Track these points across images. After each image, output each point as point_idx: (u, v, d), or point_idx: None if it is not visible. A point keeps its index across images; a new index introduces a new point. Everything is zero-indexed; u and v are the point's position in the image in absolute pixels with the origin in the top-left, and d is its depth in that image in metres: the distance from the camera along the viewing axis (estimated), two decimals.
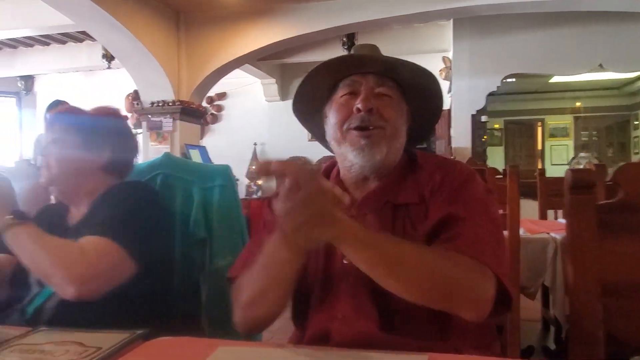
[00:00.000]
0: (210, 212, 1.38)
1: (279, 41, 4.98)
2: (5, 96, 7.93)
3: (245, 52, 5.05)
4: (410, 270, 0.84)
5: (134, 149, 1.35)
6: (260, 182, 6.99)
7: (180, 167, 1.46)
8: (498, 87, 5.41)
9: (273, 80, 7.03)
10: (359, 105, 0.97)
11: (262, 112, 7.22)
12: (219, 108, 7.38)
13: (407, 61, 1.02)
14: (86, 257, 1.02)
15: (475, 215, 0.93)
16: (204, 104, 5.87)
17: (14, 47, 6.81)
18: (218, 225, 1.36)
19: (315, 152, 6.95)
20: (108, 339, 0.88)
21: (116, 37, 4.37)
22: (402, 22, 5.18)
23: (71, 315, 0.96)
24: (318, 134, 1.14)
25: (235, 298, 0.99)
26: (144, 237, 1.12)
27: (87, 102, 4.87)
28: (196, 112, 5.17)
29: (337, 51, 5.64)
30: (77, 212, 1.24)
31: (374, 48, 1.06)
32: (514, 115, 9.03)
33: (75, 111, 1.28)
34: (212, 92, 6.28)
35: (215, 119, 7.35)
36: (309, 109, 1.12)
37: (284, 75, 7.17)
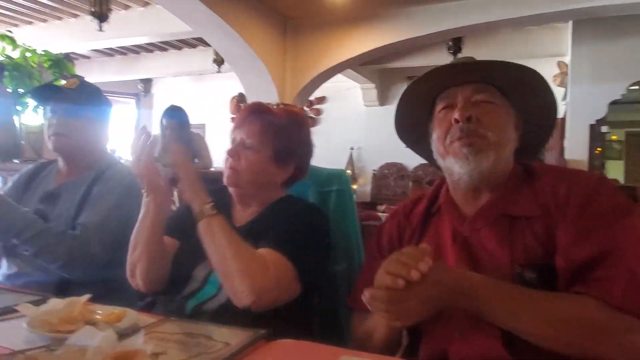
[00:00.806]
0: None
1: (383, 46, 4.94)
2: (127, 97, 8.71)
3: (348, 58, 5.08)
4: (561, 333, 0.80)
5: (310, 158, 1.32)
6: (355, 186, 7.00)
7: None
8: (623, 95, 4.92)
9: (372, 85, 7.02)
10: (456, 116, 0.95)
11: (360, 116, 7.23)
12: (318, 112, 7.52)
13: (503, 62, 0.96)
14: (268, 271, 1.04)
15: (620, 240, 0.83)
16: (304, 107, 6.01)
17: (137, 52, 7.47)
18: (333, 230, 1.35)
19: (412, 158, 6.82)
20: (234, 335, 0.90)
21: (229, 43, 4.61)
22: (514, 25, 4.90)
23: (229, 321, 0.98)
24: (427, 155, 1.12)
25: (354, 330, 1.06)
26: (312, 264, 1.15)
27: (197, 103, 5.19)
28: None
29: (442, 56, 5.48)
30: (243, 213, 1.25)
31: (471, 60, 1.01)
32: (638, 127, 8.17)
33: (268, 113, 1.23)
34: (311, 96, 6.41)
35: (314, 122, 7.48)
36: (414, 130, 1.10)
37: (384, 81, 7.12)
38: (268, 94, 4.91)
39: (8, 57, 3.77)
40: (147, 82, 8.61)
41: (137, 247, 1.18)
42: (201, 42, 6.54)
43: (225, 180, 1.22)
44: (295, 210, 1.20)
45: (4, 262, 1.50)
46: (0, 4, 5.66)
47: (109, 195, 1.46)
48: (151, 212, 1.16)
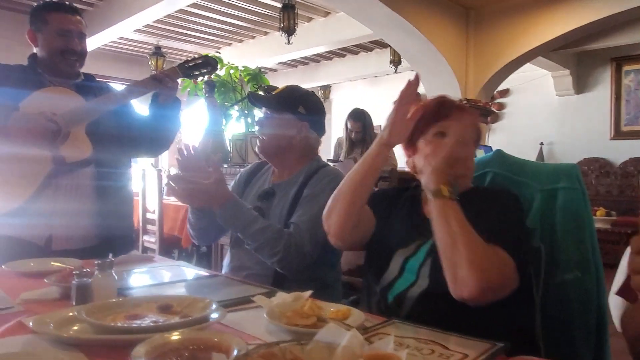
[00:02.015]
0: (551, 218, 1.22)
1: (582, 26, 4.35)
2: None
3: (539, 44, 4.60)
4: None
5: None
6: None
7: (513, 165, 1.34)
8: None
9: (567, 72, 6.24)
10: None
11: (551, 108, 6.50)
12: (500, 106, 7.00)
13: None
14: (499, 266, 0.99)
15: None
16: None
17: (318, 61, 7.93)
18: (562, 234, 1.19)
19: (619, 152, 5.87)
20: (469, 345, 0.83)
21: (409, 41, 4.56)
22: None
23: (432, 311, 0.95)
24: None
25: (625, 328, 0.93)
26: (525, 254, 1.08)
27: (374, 105, 5.21)
28: (483, 111, 4.99)
29: None
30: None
31: None
32: None
33: (459, 104, 1.29)
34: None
35: (496, 117, 6.99)
36: None
37: (581, 65, 6.28)
38: (450, 90, 4.70)
39: (217, 75, 4.31)
40: (326, 89, 9.08)
41: (342, 188, 1.21)
42: (377, 44, 6.64)
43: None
44: (499, 199, 1.16)
45: (229, 254, 1.67)
46: (206, 31, 6.55)
47: (318, 197, 1.51)
48: (371, 158, 1.18)
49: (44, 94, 1.65)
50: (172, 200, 4.69)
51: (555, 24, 4.45)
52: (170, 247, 4.21)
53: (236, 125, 4.20)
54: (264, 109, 1.65)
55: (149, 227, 4.11)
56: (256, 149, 1.67)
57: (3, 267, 1.35)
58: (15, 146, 1.57)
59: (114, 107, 1.73)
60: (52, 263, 1.36)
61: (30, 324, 0.84)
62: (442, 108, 1.20)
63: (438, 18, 4.58)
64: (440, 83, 4.80)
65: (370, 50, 7.14)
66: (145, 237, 4.16)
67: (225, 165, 3.60)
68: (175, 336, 0.75)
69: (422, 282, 1.11)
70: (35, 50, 1.77)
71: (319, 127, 1.66)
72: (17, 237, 1.65)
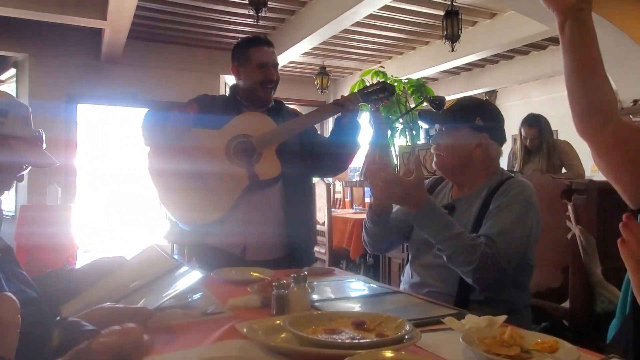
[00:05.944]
0: None
1: None
2: None
3: None
4: None
5: None
6: None
7: None
8: None
9: None
10: None
11: None
12: None
13: None
14: None
15: None
16: None
17: (482, 66, 7.53)
18: None
19: None
20: None
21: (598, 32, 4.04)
22: None
23: None
24: None
25: None
26: None
27: (548, 108, 4.69)
28: None
29: None
30: None
31: None
32: None
33: None
34: None
35: None
36: None
37: None
38: None
39: None
40: (491, 94, 8.58)
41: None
42: (552, 41, 6.06)
43: None
44: None
45: (408, 270, 1.64)
46: (368, 47, 6.72)
47: (509, 208, 1.41)
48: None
49: (241, 119, 1.85)
50: (340, 212, 4.88)
51: None
52: (338, 258, 4.38)
53: (401, 139, 4.22)
54: (437, 125, 1.60)
55: (319, 238, 4.33)
56: (433, 165, 1.62)
57: (211, 274, 1.53)
58: (219, 163, 1.78)
59: (301, 130, 1.86)
60: (251, 273, 1.50)
61: (244, 330, 0.93)
62: None
63: (631, 5, 3.97)
64: (635, 78, 4.16)
65: (544, 48, 6.53)
66: (316, 249, 4.38)
67: None
68: (381, 356, 0.75)
69: None
70: (236, 82, 2.00)
71: (500, 136, 1.56)
72: (216, 246, 1.86)
